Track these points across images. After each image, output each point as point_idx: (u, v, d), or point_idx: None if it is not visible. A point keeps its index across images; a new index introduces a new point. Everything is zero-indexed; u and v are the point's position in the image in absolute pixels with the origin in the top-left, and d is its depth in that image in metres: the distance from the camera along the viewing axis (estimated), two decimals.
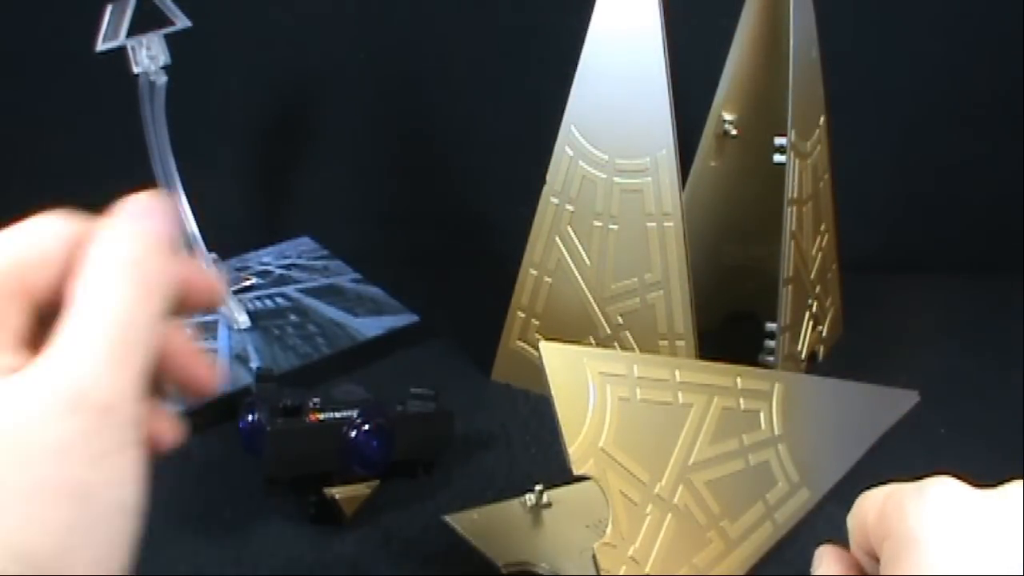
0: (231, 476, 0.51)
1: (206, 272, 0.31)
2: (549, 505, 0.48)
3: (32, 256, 0.29)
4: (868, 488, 0.38)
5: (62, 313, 0.26)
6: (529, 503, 0.48)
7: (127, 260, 0.27)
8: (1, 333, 0.27)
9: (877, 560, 0.35)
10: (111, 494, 0.25)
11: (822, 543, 0.41)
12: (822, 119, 0.58)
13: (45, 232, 0.29)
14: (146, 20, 0.55)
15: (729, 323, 0.63)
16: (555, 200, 0.55)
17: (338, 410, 0.48)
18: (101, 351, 0.26)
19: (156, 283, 0.28)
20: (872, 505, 0.36)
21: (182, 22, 0.56)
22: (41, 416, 0.25)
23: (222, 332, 0.61)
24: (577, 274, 0.55)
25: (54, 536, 0.24)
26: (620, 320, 0.55)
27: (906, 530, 0.33)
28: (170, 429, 0.30)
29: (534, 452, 0.54)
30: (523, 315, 0.58)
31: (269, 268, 0.68)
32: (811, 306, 0.59)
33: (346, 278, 0.67)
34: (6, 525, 0.24)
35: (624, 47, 0.51)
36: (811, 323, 0.60)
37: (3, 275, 0.28)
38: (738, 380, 0.47)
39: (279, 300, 0.64)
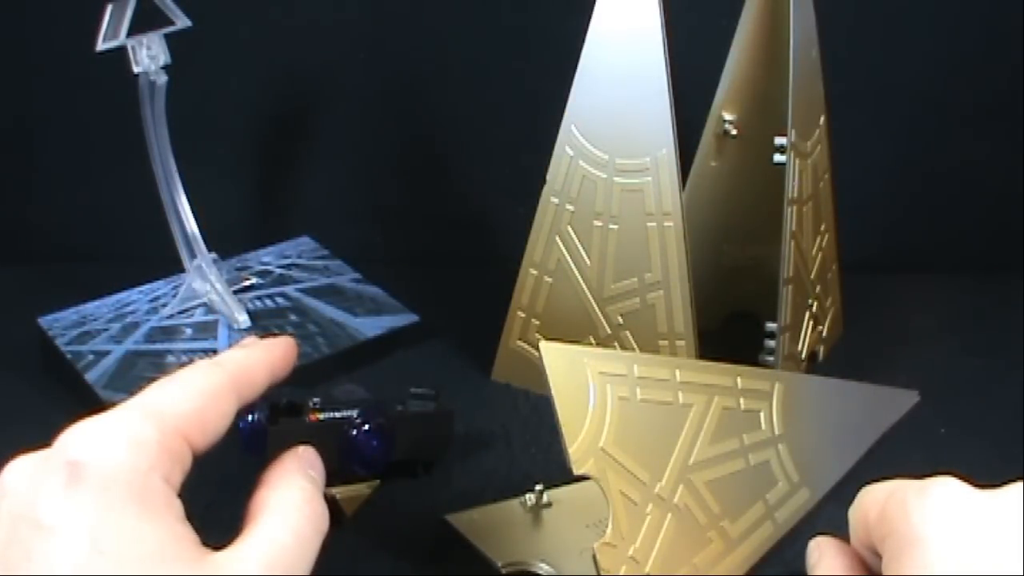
0: (231, 476, 0.51)
1: (278, 347, 0.40)
2: (549, 505, 0.48)
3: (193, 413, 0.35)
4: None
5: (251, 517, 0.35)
6: (529, 503, 0.48)
7: (304, 497, 0.36)
8: (174, 498, 0.32)
9: (878, 555, 0.36)
10: None
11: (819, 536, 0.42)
12: (822, 119, 0.58)
13: (202, 388, 0.36)
14: (146, 20, 0.55)
15: (729, 323, 0.63)
16: (555, 200, 0.55)
17: (338, 410, 0.48)
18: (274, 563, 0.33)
19: (322, 521, 0.36)
20: (874, 501, 0.36)
21: (182, 22, 0.56)
22: None
23: (222, 332, 0.61)
24: (577, 274, 0.55)
25: None
26: (620, 320, 0.55)
27: (908, 529, 0.33)
28: None
29: (534, 452, 0.54)
30: (523, 315, 0.58)
31: (269, 268, 0.68)
32: (811, 306, 0.59)
33: (346, 278, 0.67)
34: None
35: (624, 47, 0.51)
36: (811, 323, 0.60)
37: (172, 435, 0.33)
38: (738, 380, 0.47)
39: (279, 300, 0.64)
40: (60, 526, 0.29)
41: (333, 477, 0.48)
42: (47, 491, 0.30)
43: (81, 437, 0.32)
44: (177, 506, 0.32)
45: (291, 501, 0.36)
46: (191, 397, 0.35)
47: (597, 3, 0.51)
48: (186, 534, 0.32)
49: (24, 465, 0.31)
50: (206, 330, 0.61)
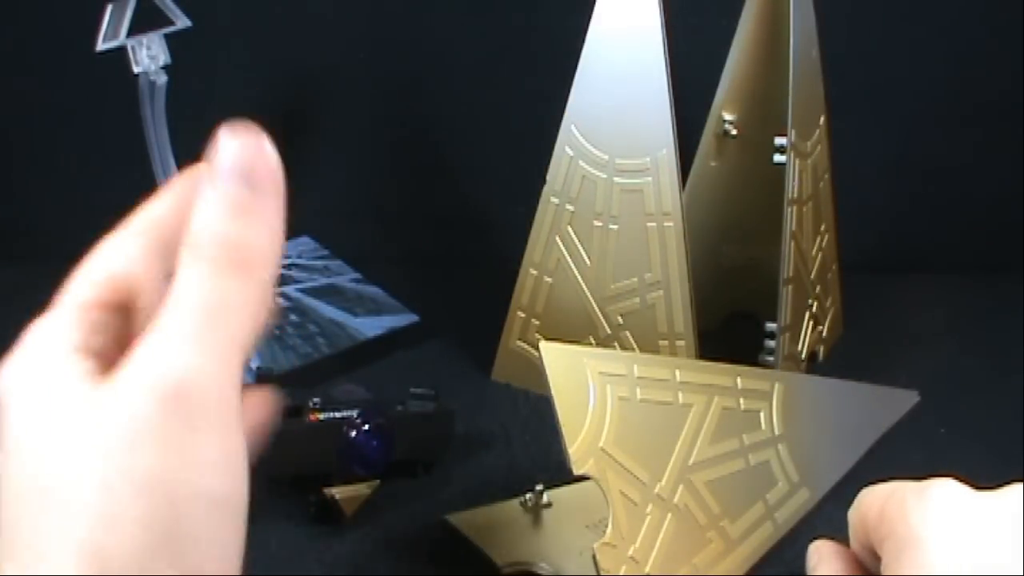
0: None
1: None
2: (549, 505, 0.48)
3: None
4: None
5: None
6: (529, 503, 0.48)
7: (220, 238, 0.27)
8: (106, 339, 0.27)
9: (877, 557, 0.36)
10: (194, 485, 0.24)
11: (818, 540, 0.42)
12: (822, 119, 0.58)
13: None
14: (146, 20, 0.55)
15: (729, 323, 0.63)
16: (555, 200, 0.55)
17: (338, 410, 0.48)
18: (189, 336, 0.25)
19: (252, 260, 0.28)
20: (874, 502, 0.36)
21: (182, 22, 0.56)
22: (116, 407, 0.24)
23: None
24: (577, 274, 0.55)
25: (129, 534, 0.23)
26: (620, 320, 0.55)
27: (908, 530, 0.33)
28: (263, 407, 0.30)
29: (534, 452, 0.54)
30: (523, 315, 0.58)
31: None
32: (811, 306, 0.59)
33: (346, 278, 0.67)
34: (80, 524, 0.23)
35: (624, 47, 0.51)
36: (811, 323, 0.60)
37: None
38: (738, 380, 0.47)
39: (279, 300, 0.64)
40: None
41: (333, 477, 0.48)
42: None
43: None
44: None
45: (196, 262, 0.27)
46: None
47: (597, 3, 0.51)
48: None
49: None
50: None
